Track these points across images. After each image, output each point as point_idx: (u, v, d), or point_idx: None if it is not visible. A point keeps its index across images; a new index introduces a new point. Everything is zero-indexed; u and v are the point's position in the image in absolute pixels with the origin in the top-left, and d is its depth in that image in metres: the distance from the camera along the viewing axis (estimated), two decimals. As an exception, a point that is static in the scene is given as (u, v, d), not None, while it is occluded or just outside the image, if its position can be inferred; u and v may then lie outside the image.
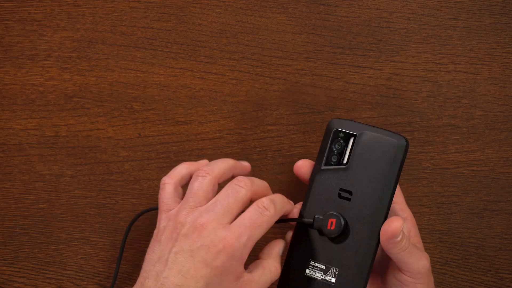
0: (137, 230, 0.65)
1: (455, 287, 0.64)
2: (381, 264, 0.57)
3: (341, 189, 0.55)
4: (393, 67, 0.64)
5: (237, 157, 0.64)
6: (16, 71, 0.65)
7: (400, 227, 0.51)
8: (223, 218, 0.51)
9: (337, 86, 0.64)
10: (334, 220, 0.54)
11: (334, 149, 0.56)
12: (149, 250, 0.53)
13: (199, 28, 0.64)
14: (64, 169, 0.65)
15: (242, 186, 0.53)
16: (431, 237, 0.63)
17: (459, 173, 0.64)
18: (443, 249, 0.64)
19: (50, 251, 0.65)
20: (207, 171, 0.54)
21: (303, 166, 0.57)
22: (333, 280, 0.55)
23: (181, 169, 0.56)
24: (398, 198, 0.57)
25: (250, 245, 0.51)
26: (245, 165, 0.59)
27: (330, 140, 0.56)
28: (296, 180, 0.64)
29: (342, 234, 0.54)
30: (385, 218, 0.54)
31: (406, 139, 0.54)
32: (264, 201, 0.53)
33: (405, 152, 0.54)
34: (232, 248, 0.50)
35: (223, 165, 0.56)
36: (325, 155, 0.56)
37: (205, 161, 0.58)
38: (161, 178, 0.64)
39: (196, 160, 0.63)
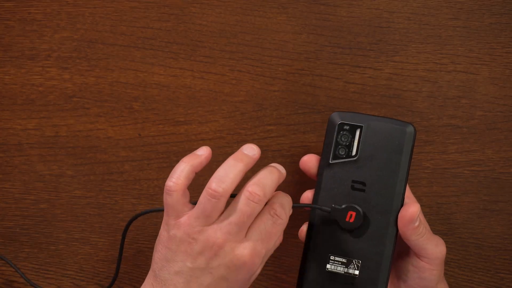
0: (137, 230, 0.65)
1: (455, 287, 0.64)
2: (396, 252, 0.57)
3: (354, 181, 0.55)
4: (393, 67, 0.64)
5: (237, 157, 0.64)
6: (16, 71, 0.65)
7: (417, 212, 0.51)
8: (238, 235, 0.50)
9: (337, 86, 0.64)
10: (354, 213, 0.54)
11: (341, 142, 0.56)
12: (159, 255, 0.51)
13: (199, 28, 0.64)
14: (64, 169, 0.65)
15: (256, 202, 0.51)
16: (431, 237, 0.64)
17: (459, 173, 0.64)
18: (443, 249, 0.64)
19: (50, 251, 0.65)
20: (222, 193, 0.50)
21: (310, 161, 0.57)
22: (357, 272, 0.55)
23: (183, 169, 0.52)
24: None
25: (268, 255, 0.52)
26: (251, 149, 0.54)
27: (335, 133, 0.56)
28: (296, 180, 0.64)
29: (361, 226, 0.54)
30: (402, 206, 0.54)
31: (413, 125, 0.55)
32: (276, 208, 0.52)
33: (413, 138, 0.54)
34: (252, 264, 0.50)
35: (235, 177, 0.51)
36: (332, 149, 0.56)
37: (204, 149, 0.54)
38: (161, 178, 0.64)
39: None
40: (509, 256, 0.64)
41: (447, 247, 0.64)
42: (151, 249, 0.65)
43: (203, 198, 0.51)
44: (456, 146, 0.64)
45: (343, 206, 0.55)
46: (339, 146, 0.56)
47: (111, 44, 0.65)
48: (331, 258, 0.55)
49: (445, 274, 0.64)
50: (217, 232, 0.50)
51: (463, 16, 0.63)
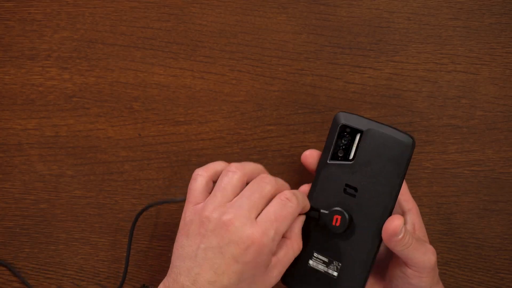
0: (137, 230, 0.65)
1: (455, 287, 0.64)
2: (386, 257, 0.58)
3: (346, 185, 0.55)
4: (393, 67, 0.64)
5: (237, 157, 0.64)
6: (16, 71, 0.65)
7: (399, 226, 0.51)
8: (249, 214, 0.51)
9: (337, 86, 0.64)
10: (339, 217, 0.54)
11: (341, 143, 0.56)
12: (176, 244, 0.53)
13: (199, 28, 0.64)
14: (64, 169, 0.65)
15: (267, 183, 0.53)
16: (431, 237, 0.63)
17: (459, 173, 0.64)
18: (443, 249, 0.64)
19: (50, 251, 0.65)
20: (238, 167, 0.54)
21: (311, 156, 0.58)
22: (335, 274, 0.55)
23: (217, 165, 0.56)
24: (403, 189, 0.57)
25: (278, 238, 0.52)
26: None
27: (336, 134, 0.56)
28: (296, 180, 0.64)
29: (347, 230, 0.54)
30: (389, 216, 0.54)
31: (412, 138, 0.54)
32: (286, 193, 0.53)
33: (411, 151, 0.54)
34: (261, 244, 0.50)
35: (254, 166, 0.56)
36: (331, 150, 0.56)
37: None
38: (161, 178, 0.64)
39: (196, 161, 0.63)
40: (509, 256, 0.64)
41: (447, 247, 0.64)
42: (151, 249, 0.65)
43: (221, 175, 0.54)
44: (456, 146, 0.64)
45: (332, 209, 0.55)
46: (338, 148, 0.56)
47: (111, 44, 0.65)
48: (314, 254, 0.56)
49: (445, 274, 0.64)
50: (229, 209, 0.52)
51: (463, 16, 0.63)
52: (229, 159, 0.64)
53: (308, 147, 0.64)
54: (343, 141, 0.56)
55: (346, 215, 0.54)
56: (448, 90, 0.63)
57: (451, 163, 0.64)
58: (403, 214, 0.57)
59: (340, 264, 0.55)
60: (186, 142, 0.64)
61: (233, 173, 0.54)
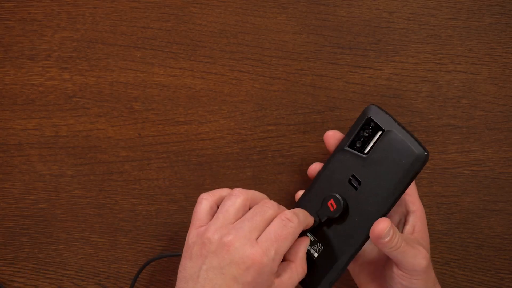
0: (137, 230, 0.65)
1: (455, 287, 0.64)
2: (380, 256, 0.58)
3: (353, 176, 0.55)
4: (393, 67, 0.64)
5: (237, 157, 0.64)
6: (16, 71, 0.65)
7: (384, 229, 0.52)
8: (250, 235, 0.52)
9: (337, 86, 0.64)
10: (335, 203, 0.55)
11: (362, 134, 0.56)
12: (180, 268, 0.54)
13: (199, 28, 0.64)
14: (64, 169, 0.65)
15: (269, 207, 0.54)
16: (431, 237, 0.63)
17: (459, 173, 0.64)
18: (443, 249, 0.64)
19: (50, 251, 0.65)
20: (241, 192, 0.55)
21: (333, 137, 0.58)
22: (316, 255, 0.56)
23: (222, 191, 0.57)
24: (411, 190, 0.57)
25: (279, 258, 0.52)
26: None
27: (361, 125, 0.56)
28: (296, 180, 0.64)
29: (339, 218, 0.55)
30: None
31: (427, 152, 0.53)
32: (287, 213, 0.54)
33: (422, 165, 0.53)
34: (261, 264, 0.51)
35: (258, 192, 0.56)
36: (352, 138, 0.56)
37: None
38: (161, 178, 0.64)
39: (197, 160, 0.63)
40: (509, 256, 0.64)
41: (447, 247, 0.64)
42: (151, 249, 0.65)
43: (225, 198, 0.55)
44: (456, 146, 0.64)
45: (331, 194, 0.55)
46: (358, 138, 0.56)
47: (111, 44, 0.65)
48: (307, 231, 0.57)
49: (445, 274, 0.64)
50: (231, 230, 0.52)
51: (463, 16, 0.63)
52: (229, 159, 0.64)
53: (308, 147, 0.64)
54: (365, 133, 0.56)
55: (342, 203, 0.55)
56: (448, 90, 0.63)
57: (451, 163, 0.64)
58: (407, 214, 0.57)
59: (322, 248, 0.56)
60: (186, 142, 0.64)
61: (236, 196, 0.54)
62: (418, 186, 0.63)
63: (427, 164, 0.63)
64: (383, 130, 0.55)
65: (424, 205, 0.63)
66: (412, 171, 0.53)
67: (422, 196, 0.63)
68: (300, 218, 0.54)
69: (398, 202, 0.55)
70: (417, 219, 0.57)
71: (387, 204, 0.54)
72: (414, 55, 0.63)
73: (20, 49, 0.65)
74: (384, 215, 0.54)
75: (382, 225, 0.52)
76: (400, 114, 0.63)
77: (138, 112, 0.65)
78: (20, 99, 0.65)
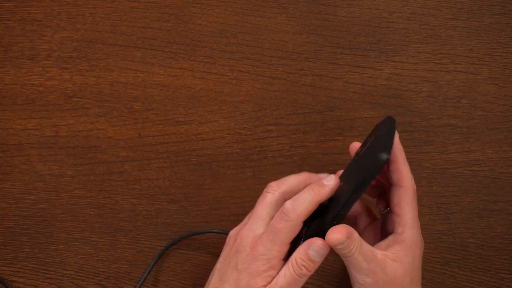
0: (137, 230, 0.65)
1: (455, 287, 0.64)
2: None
3: (357, 154, 0.54)
4: (393, 67, 0.64)
5: (237, 157, 0.64)
6: (16, 71, 0.65)
7: (337, 241, 0.50)
8: (255, 227, 0.54)
9: (337, 86, 0.64)
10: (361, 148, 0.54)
11: (366, 141, 0.55)
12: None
13: (199, 28, 0.64)
14: (64, 169, 0.65)
15: (288, 215, 0.52)
16: (431, 237, 0.63)
17: (459, 173, 0.64)
18: (443, 249, 0.64)
19: (50, 251, 0.65)
20: (276, 187, 0.55)
21: (354, 148, 0.55)
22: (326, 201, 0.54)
23: (292, 180, 0.55)
24: (398, 159, 0.53)
25: (277, 248, 0.52)
26: (321, 176, 0.56)
27: (370, 133, 0.54)
28: (296, 180, 0.64)
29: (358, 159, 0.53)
30: (336, 221, 0.52)
31: (387, 153, 0.49)
32: (286, 205, 0.53)
33: (379, 168, 0.49)
34: (254, 250, 0.52)
35: (294, 180, 0.55)
36: (361, 146, 0.54)
37: (325, 175, 0.55)
38: (161, 178, 0.64)
39: (197, 160, 0.63)
40: (509, 256, 0.64)
41: (447, 247, 0.64)
42: (151, 249, 0.65)
43: (261, 195, 0.56)
44: (456, 146, 0.64)
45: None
46: (363, 145, 0.55)
47: (111, 44, 0.65)
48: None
49: (445, 274, 0.64)
50: (245, 227, 0.54)
51: (463, 16, 0.63)
52: (229, 159, 0.64)
53: (308, 147, 0.64)
54: (367, 139, 0.55)
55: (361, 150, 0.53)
56: (448, 90, 0.63)
57: (451, 163, 0.64)
58: (389, 186, 0.54)
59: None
60: (186, 142, 0.64)
61: (272, 194, 0.54)
62: (418, 186, 0.63)
63: (427, 164, 0.63)
64: (375, 134, 0.54)
65: (424, 205, 0.63)
66: (371, 175, 0.49)
67: (422, 196, 0.63)
68: (297, 211, 0.52)
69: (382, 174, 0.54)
70: (401, 196, 0.52)
71: (345, 204, 0.51)
72: (414, 55, 0.63)
73: (20, 49, 0.65)
74: (338, 217, 0.51)
75: (335, 236, 0.50)
76: (400, 114, 0.63)
77: (138, 112, 0.65)
78: (20, 99, 0.65)
